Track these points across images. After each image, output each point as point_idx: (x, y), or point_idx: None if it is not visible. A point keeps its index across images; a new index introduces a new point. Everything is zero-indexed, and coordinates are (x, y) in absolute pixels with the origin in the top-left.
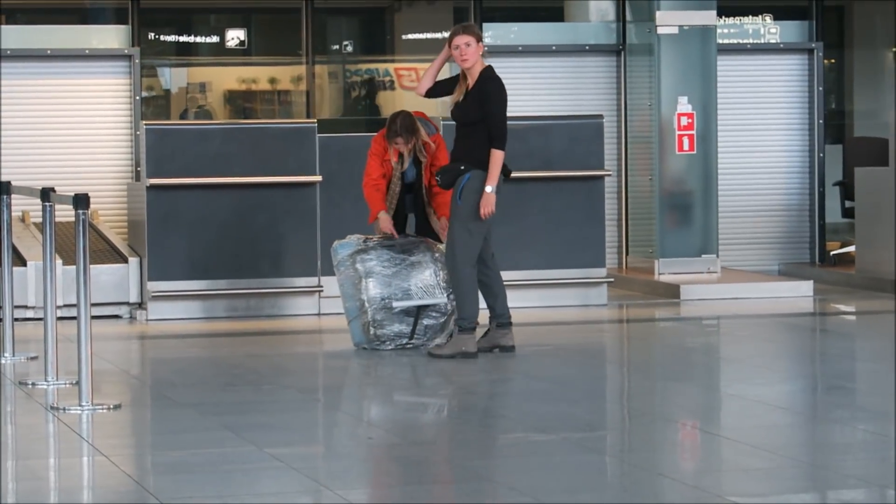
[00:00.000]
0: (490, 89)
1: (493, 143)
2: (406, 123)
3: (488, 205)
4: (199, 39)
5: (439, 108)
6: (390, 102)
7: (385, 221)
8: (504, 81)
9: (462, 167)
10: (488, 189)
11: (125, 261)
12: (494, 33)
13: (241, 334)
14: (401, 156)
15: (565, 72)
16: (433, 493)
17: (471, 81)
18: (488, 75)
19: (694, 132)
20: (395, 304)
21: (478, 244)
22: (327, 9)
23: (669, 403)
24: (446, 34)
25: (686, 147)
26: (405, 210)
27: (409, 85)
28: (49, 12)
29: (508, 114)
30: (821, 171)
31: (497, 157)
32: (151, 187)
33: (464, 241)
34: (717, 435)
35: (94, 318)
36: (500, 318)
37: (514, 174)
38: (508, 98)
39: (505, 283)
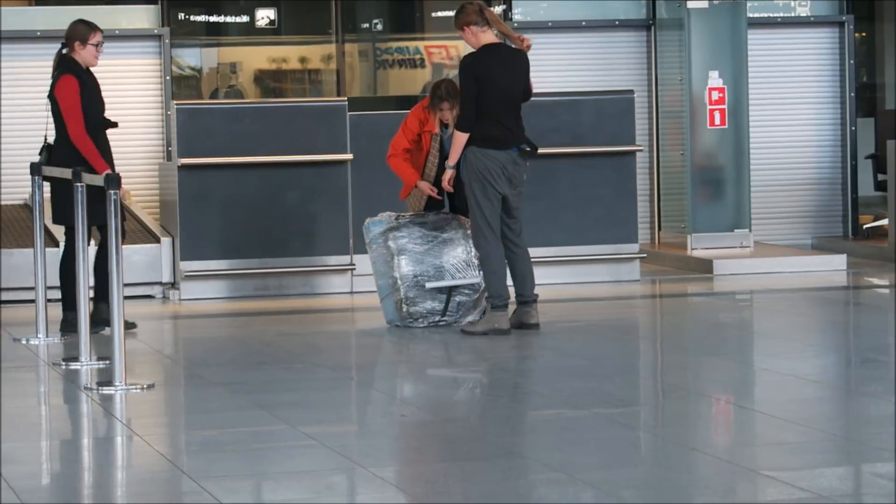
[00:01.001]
0: (459, 74)
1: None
2: (450, 89)
3: (445, 179)
4: (228, 19)
5: None
6: (420, 80)
7: (425, 186)
8: (531, 56)
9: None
10: (448, 165)
11: (157, 241)
12: (524, 10)
13: (273, 313)
14: (443, 126)
15: (595, 47)
16: (466, 469)
17: None
18: (461, 62)
19: (725, 107)
20: (427, 284)
21: (486, 217)
22: None
23: (702, 378)
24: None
25: (717, 122)
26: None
27: (439, 62)
28: None
29: (537, 89)
30: (853, 144)
31: (456, 137)
32: (183, 167)
33: (473, 217)
34: (750, 409)
35: (126, 298)
36: (520, 296)
37: (544, 150)
38: (541, 72)
39: (536, 259)
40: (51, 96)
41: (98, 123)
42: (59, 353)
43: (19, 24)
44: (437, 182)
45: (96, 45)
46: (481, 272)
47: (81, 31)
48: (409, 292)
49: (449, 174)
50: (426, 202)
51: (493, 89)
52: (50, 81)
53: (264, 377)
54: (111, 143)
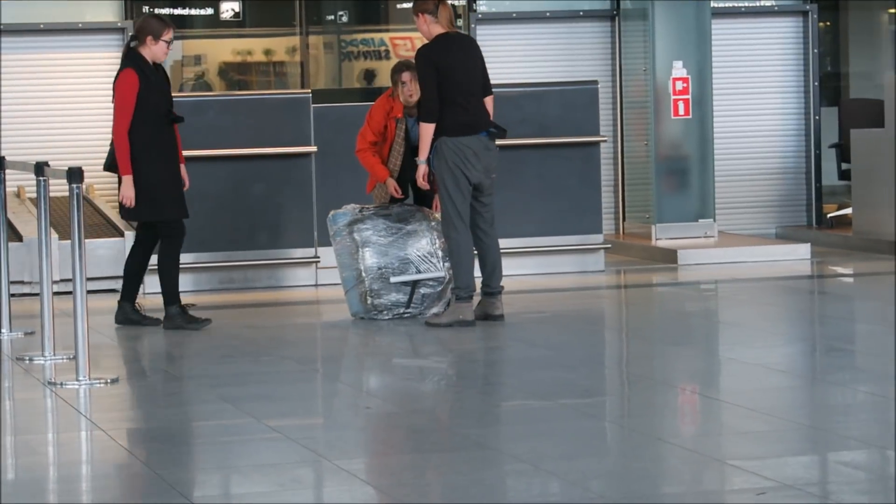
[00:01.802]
0: (416, 66)
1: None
2: (406, 62)
3: (419, 177)
4: (193, 12)
5: None
6: (385, 72)
7: (392, 185)
8: (496, 47)
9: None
10: (419, 160)
11: (121, 235)
12: (488, 1)
13: (238, 306)
14: (405, 117)
15: (559, 38)
16: (432, 461)
17: None
18: (417, 52)
19: (689, 96)
20: (392, 279)
21: (457, 208)
22: None
23: (668, 368)
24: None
25: (682, 111)
26: (409, 174)
27: (405, 55)
28: None
29: (502, 80)
30: (817, 133)
31: (423, 130)
32: None
33: (444, 207)
34: (716, 399)
35: (90, 292)
36: (486, 286)
37: (509, 142)
38: (506, 63)
39: (502, 250)
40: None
41: (164, 118)
42: (21, 347)
43: None
44: (403, 169)
45: (168, 42)
46: (447, 264)
47: (155, 27)
48: (374, 284)
49: (422, 170)
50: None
51: (453, 76)
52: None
53: (230, 370)
54: (74, 134)
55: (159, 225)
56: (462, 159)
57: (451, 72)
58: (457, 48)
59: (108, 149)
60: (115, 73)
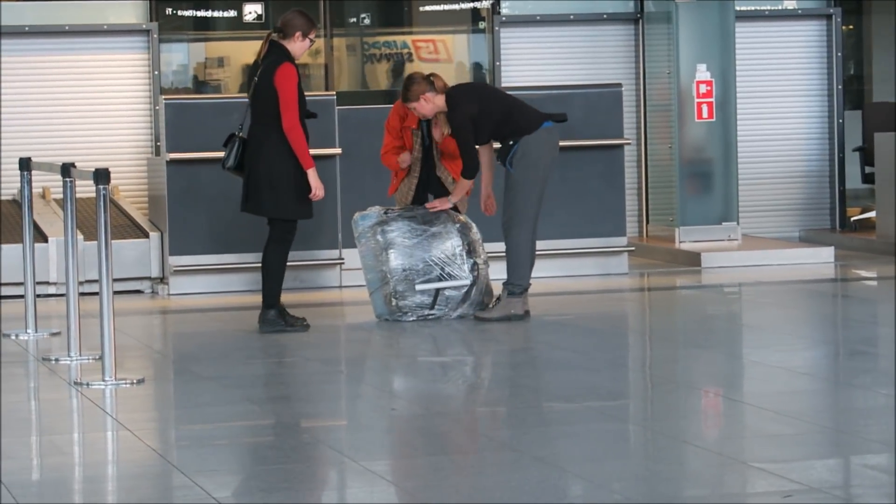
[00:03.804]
0: (451, 123)
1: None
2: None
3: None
4: (216, 14)
5: (455, 75)
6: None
7: (406, 159)
8: (520, 50)
9: (511, 142)
10: (450, 200)
11: (146, 236)
12: (512, 4)
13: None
14: (420, 123)
15: (583, 41)
16: (456, 463)
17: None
18: (448, 112)
19: (713, 100)
20: (417, 285)
21: (531, 209)
22: None
23: (692, 371)
24: (464, 6)
25: (705, 115)
26: (426, 176)
27: (427, 57)
28: None
29: (525, 83)
30: (840, 136)
31: (462, 184)
32: (171, 162)
33: (518, 206)
34: (740, 402)
35: (115, 293)
36: (508, 285)
37: None
38: (529, 66)
39: None
40: (261, 85)
41: (304, 114)
42: (47, 347)
43: (8, 20)
44: (422, 174)
45: (312, 42)
46: (473, 266)
47: (305, 24)
48: (399, 286)
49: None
50: (413, 196)
51: (491, 107)
52: (256, 69)
53: (255, 371)
54: (99, 135)
55: (277, 223)
56: (552, 148)
57: (486, 108)
58: (479, 88)
59: (231, 147)
60: (253, 67)
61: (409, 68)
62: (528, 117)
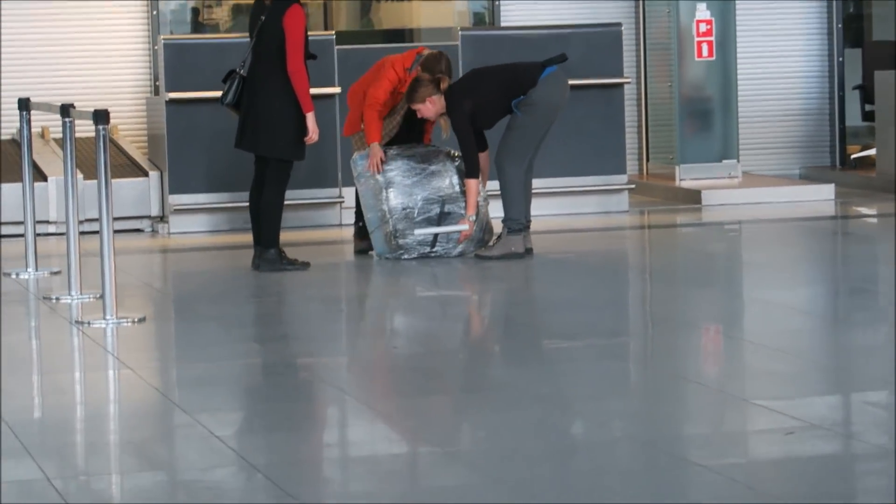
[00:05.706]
0: (452, 121)
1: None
2: (449, 64)
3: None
4: None
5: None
6: (407, 14)
7: (377, 154)
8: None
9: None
10: (470, 217)
11: (146, 175)
12: None
13: None
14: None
15: None
16: (457, 401)
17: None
18: (449, 113)
19: (713, 38)
20: (416, 231)
21: (526, 150)
22: None
23: (692, 309)
24: None
25: (705, 53)
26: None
27: None
28: None
29: (525, 23)
30: (840, 75)
31: (470, 188)
32: (171, 101)
33: (514, 144)
34: (740, 339)
35: (115, 232)
36: (506, 221)
37: None
38: (530, 6)
39: None
40: (268, 24)
41: (306, 56)
42: (48, 286)
43: None
44: (392, 141)
45: None
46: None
47: None
48: (399, 224)
49: (469, 231)
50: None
51: (488, 88)
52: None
53: (255, 310)
54: (98, 75)
55: (272, 163)
56: (562, 90)
57: (484, 100)
58: (464, 83)
59: (230, 84)
60: (258, 6)
61: (408, 9)
62: (528, 74)
